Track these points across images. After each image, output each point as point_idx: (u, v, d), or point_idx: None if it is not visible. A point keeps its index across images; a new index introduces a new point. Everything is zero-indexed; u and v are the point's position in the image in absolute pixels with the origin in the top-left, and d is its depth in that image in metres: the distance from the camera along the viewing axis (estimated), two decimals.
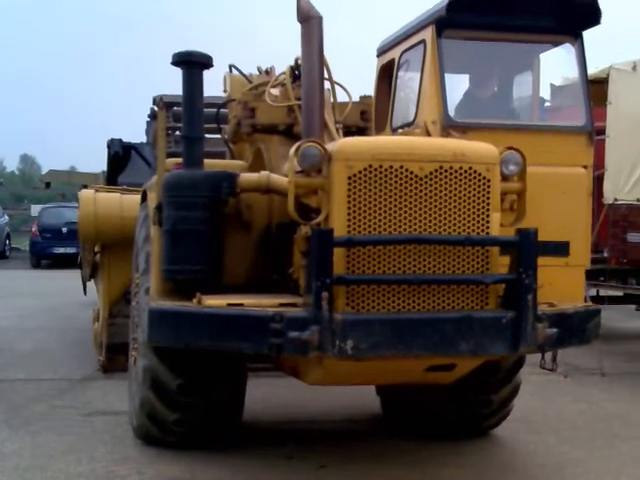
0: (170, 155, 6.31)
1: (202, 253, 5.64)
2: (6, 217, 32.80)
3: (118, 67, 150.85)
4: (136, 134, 26.63)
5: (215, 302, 5.27)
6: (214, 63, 5.99)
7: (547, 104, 8.07)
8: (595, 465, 6.45)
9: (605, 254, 11.79)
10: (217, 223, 5.71)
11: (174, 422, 6.21)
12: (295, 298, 5.28)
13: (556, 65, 7.00)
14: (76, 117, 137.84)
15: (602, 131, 10.94)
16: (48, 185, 34.00)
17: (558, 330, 5.29)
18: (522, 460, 6.65)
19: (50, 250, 27.15)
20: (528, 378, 7.68)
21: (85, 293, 11.88)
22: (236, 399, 6.40)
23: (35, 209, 33.95)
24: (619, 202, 11.32)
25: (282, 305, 5.18)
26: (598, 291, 12.08)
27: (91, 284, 11.14)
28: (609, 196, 11.37)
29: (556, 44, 6.55)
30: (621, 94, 11.22)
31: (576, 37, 6.42)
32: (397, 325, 5.00)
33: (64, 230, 26.32)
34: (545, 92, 7.22)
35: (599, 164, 10.59)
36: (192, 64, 5.85)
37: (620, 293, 12.49)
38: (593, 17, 6.27)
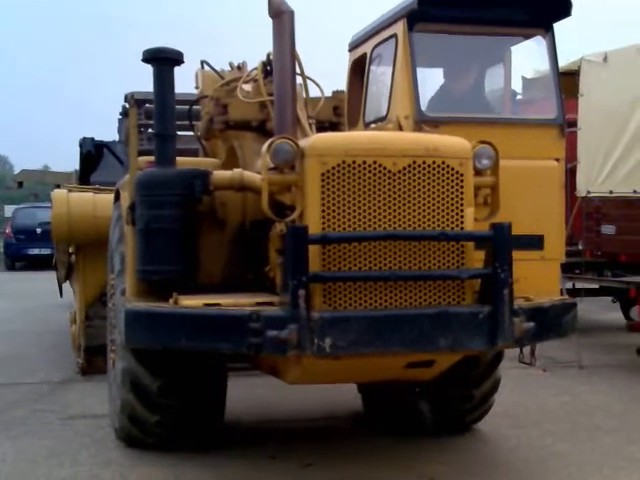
0: (142, 153, 6.27)
1: (177, 252, 5.61)
2: None
3: (91, 65, 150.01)
4: (109, 132, 26.49)
5: (192, 302, 5.23)
6: (185, 59, 5.96)
7: (519, 97, 8.08)
8: (578, 458, 6.46)
9: (580, 247, 11.83)
10: (191, 222, 5.68)
11: (155, 424, 6.17)
12: (272, 297, 5.26)
13: (527, 58, 7.01)
14: (48, 115, 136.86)
15: (574, 123, 10.98)
16: (21, 185, 33.67)
17: (535, 324, 5.28)
18: (505, 455, 6.66)
19: (24, 251, 26.98)
20: (508, 373, 7.71)
21: (61, 295, 11.81)
22: (217, 399, 6.37)
23: (9, 210, 33.72)
24: (592, 194, 11.36)
25: (259, 304, 5.15)
26: (574, 284, 12.11)
27: (67, 286, 11.07)
28: (582, 189, 11.41)
29: (527, 37, 6.55)
30: (592, 86, 11.25)
31: (547, 29, 6.42)
32: (375, 322, 4.98)
33: (38, 231, 26.13)
34: (517, 85, 7.22)
35: (571, 156, 10.62)
36: (163, 61, 5.82)
37: (596, 285, 12.53)
38: (563, 9, 6.29)
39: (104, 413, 7.29)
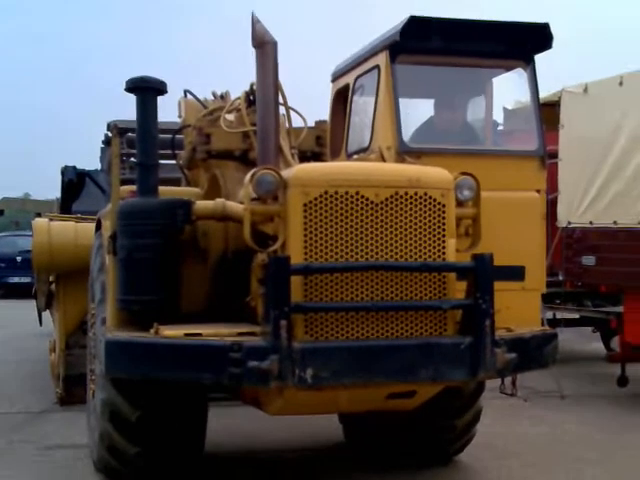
0: (124, 182, 6.25)
1: (158, 282, 5.57)
2: None
3: (72, 93, 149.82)
4: (90, 161, 26.44)
5: (172, 332, 5.20)
6: (168, 89, 5.96)
7: (500, 127, 8.13)
8: None
9: (560, 277, 11.86)
10: (173, 251, 5.65)
11: (135, 455, 6.08)
12: (253, 327, 5.24)
13: (509, 89, 7.06)
14: (29, 143, 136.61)
15: (555, 154, 11.04)
16: (2, 213, 33.64)
17: (516, 355, 5.31)
18: None
19: (4, 280, 26.74)
20: (489, 403, 7.68)
21: (41, 324, 11.73)
22: (197, 430, 6.31)
23: None
24: (573, 225, 11.40)
25: (240, 334, 5.14)
26: (554, 314, 12.13)
27: (47, 314, 10.99)
28: (563, 219, 11.44)
29: (509, 69, 6.61)
30: (573, 117, 11.31)
31: (528, 62, 6.48)
32: (357, 353, 4.99)
33: (18, 259, 25.99)
34: (498, 115, 7.26)
35: (552, 187, 10.66)
36: (146, 90, 5.81)
37: (576, 315, 12.56)
38: (545, 41, 6.34)
39: (83, 443, 7.22)
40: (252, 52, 5.95)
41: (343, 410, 6.85)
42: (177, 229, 5.65)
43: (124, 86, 5.81)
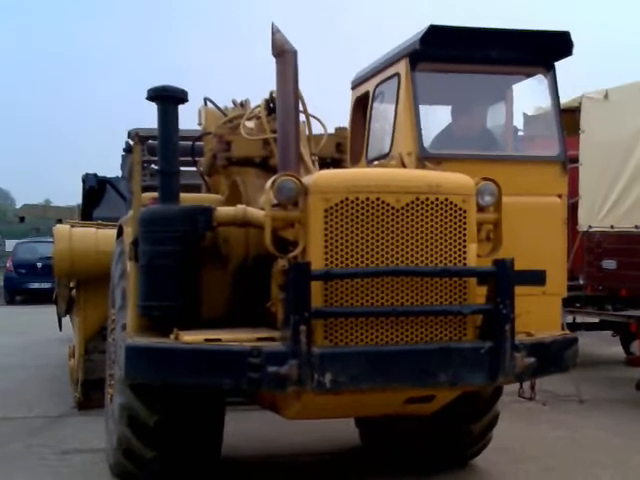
0: (145, 189, 6.29)
1: (179, 288, 5.60)
2: None
3: (92, 100, 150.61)
4: (110, 168, 26.62)
5: (192, 338, 5.23)
6: (189, 97, 6.00)
7: (520, 133, 8.14)
8: None
9: (581, 281, 11.84)
10: (194, 258, 5.68)
11: (152, 459, 6.11)
12: (273, 332, 5.26)
13: (529, 95, 7.06)
14: (50, 150, 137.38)
15: (575, 159, 11.04)
16: (22, 219, 33.80)
17: (536, 359, 5.31)
18: None
19: (25, 285, 26.91)
20: (507, 406, 7.69)
21: (60, 329, 11.79)
22: (214, 435, 6.34)
23: (10, 244, 33.72)
24: (593, 229, 11.39)
25: (260, 339, 5.16)
26: (574, 318, 12.10)
27: (67, 320, 11.05)
28: (583, 223, 11.44)
29: (529, 75, 6.62)
30: (593, 123, 11.33)
31: (548, 68, 6.49)
32: (376, 358, 5.00)
33: (39, 265, 26.10)
34: (518, 121, 7.28)
35: (573, 192, 10.66)
36: (167, 99, 5.84)
37: (596, 319, 12.53)
38: (565, 48, 6.35)
39: (100, 448, 7.25)
40: (272, 60, 5.98)
41: (361, 414, 6.86)
42: (198, 236, 5.68)
43: (146, 95, 5.86)
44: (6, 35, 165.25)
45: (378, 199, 5.13)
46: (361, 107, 7.03)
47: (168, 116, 5.85)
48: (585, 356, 11.48)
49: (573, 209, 10.86)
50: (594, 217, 11.30)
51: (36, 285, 26.16)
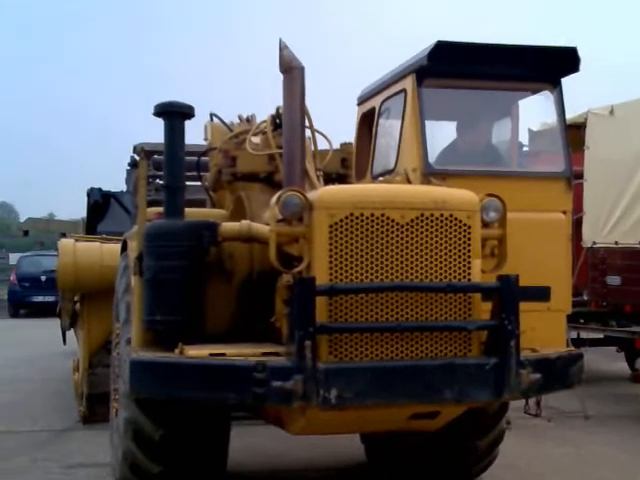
0: (150, 203, 6.31)
1: (184, 303, 5.60)
2: None
3: (95, 114, 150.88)
4: (113, 181, 26.71)
5: (197, 352, 5.23)
6: (195, 112, 6.01)
7: (525, 149, 8.15)
8: None
9: (585, 297, 11.84)
10: (198, 273, 5.68)
11: (157, 474, 6.09)
12: (278, 347, 5.26)
13: (535, 111, 7.08)
14: (54, 164, 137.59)
15: (580, 175, 11.05)
16: (26, 233, 33.87)
17: (542, 376, 5.30)
18: None
19: (28, 299, 26.91)
20: (513, 423, 7.66)
21: (65, 343, 11.80)
22: (220, 449, 6.33)
23: (13, 257, 33.73)
24: (598, 245, 11.39)
25: (265, 354, 5.15)
26: (579, 333, 12.10)
27: (71, 333, 11.06)
28: (588, 239, 11.44)
29: (535, 91, 6.62)
30: (598, 139, 11.34)
31: (555, 84, 6.49)
32: (381, 373, 4.99)
33: (43, 278, 26.09)
34: (523, 137, 7.28)
35: (577, 208, 10.67)
36: (174, 114, 5.86)
37: (601, 335, 12.52)
38: (572, 65, 6.35)
39: (105, 462, 7.24)
40: (279, 76, 6.00)
41: (366, 430, 6.85)
42: (203, 250, 5.69)
43: (152, 110, 5.88)
44: (7, 41, 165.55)
45: (383, 215, 5.13)
46: (367, 123, 7.04)
47: (174, 131, 5.87)
48: (590, 372, 11.46)
49: (577, 225, 10.86)
50: (598, 233, 11.30)
51: (40, 298, 26.17)
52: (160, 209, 6.01)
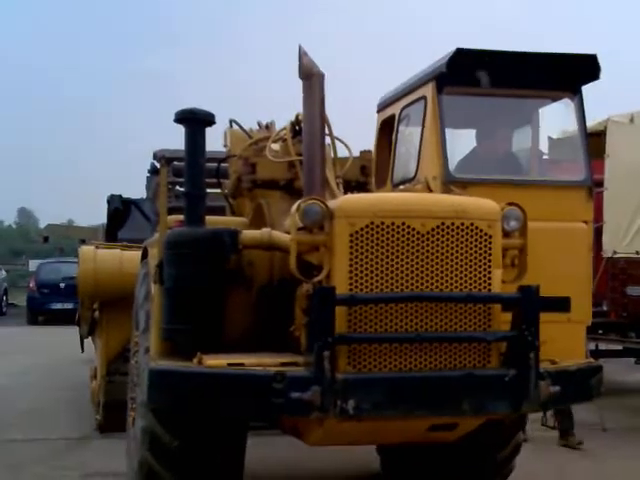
0: (170, 210, 6.30)
1: (203, 312, 5.57)
2: (3, 272, 32.71)
3: (113, 121, 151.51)
4: (132, 188, 26.68)
5: (215, 362, 5.19)
6: (215, 119, 6.00)
7: (545, 157, 8.11)
8: None
9: (604, 307, 11.76)
10: (219, 281, 5.66)
11: None
12: (296, 357, 5.22)
13: (555, 118, 7.04)
14: (73, 170, 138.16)
15: (600, 183, 10.98)
16: (46, 239, 34.05)
17: (561, 388, 5.25)
18: None
19: (47, 306, 26.93)
20: (530, 435, 7.61)
21: (82, 350, 11.82)
22: (236, 460, 6.29)
23: (33, 264, 33.85)
24: (618, 255, 11.32)
25: (283, 364, 5.12)
26: (597, 345, 12.01)
27: (89, 341, 11.07)
28: (608, 249, 11.38)
29: (555, 99, 6.59)
30: (619, 147, 11.28)
31: (575, 92, 6.46)
32: (399, 384, 4.97)
33: (62, 285, 26.16)
34: (543, 145, 7.25)
35: (598, 217, 10.61)
36: (195, 122, 5.85)
37: (619, 347, 12.43)
38: (592, 73, 6.32)
39: (122, 471, 7.20)
40: (297, 83, 5.98)
41: (383, 442, 6.81)
42: (224, 258, 5.66)
43: (173, 117, 5.87)
44: (38, 51, 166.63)
45: (403, 224, 5.10)
46: (387, 130, 7.02)
47: (195, 139, 5.85)
48: (608, 384, 11.36)
49: (597, 234, 10.79)
50: (619, 243, 11.24)
51: (59, 305, 26.19)
52: (181, 217, 5.99)
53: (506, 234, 5.41)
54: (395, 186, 6.64)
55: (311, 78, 5.88)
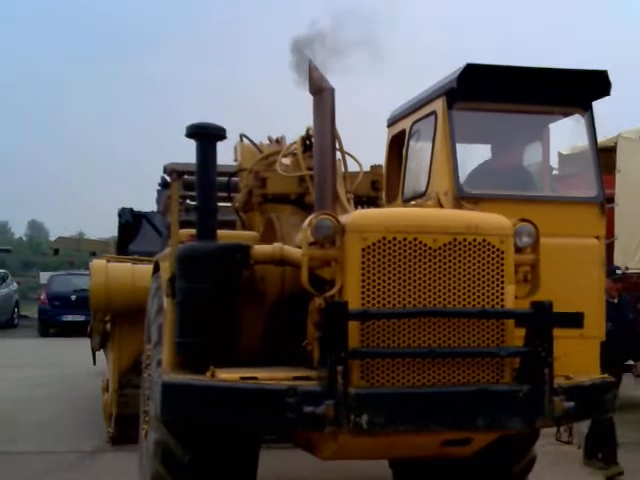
0: (180, 224, 6.33)
1: (215, 325, 5.58)
2: (15, 284, 32.76)
3: (123, 135, 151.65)
4: (141, 201, 26.80)
5: (228, 376, 5.20)
6: (226, 134, 6.02)
7: (555, 172, 8.11)
8: None
9: None
10: (230, 295, 5.68)
11: None
12: (309, 371, 5.23)
13: (565, 134, 7.05)
14: (84, 182, 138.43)
15: (611, 199, 10.98)
16: (57, 252, 34.12)
17: (575, 403, 5.23)
18: None
19: (59, 318, 26.96)
20: (543, 450, 7.57)
21: (94, 363, 11.84)
22: (248, 473, 6.29)
23: (44, 276, 33.92)
24: (630, 271, 11.29)
25: (296, 378, 5.12)
26: None
27: (100, 354, 11.09)
28: (620, 265, 11.34)
29: (566, 115, 6.59)
30: (629, 162, 11.29)
31: (586, 108, 6.46)
32: (412, 399, 4.96)
33: (73, 298, 26.25)
34: (553, 160, 7.25)
35: (609, 232, 10.59)
36: (206, 136, 5.87)
37: (631, 362, 12.38)
38: (603, 88, 6.32)
39: None
40: (308, 97, 6.00)
41: (396, 456, 6.78)
42: (236, 273, 5.68)
43: (185, 132, 5.89)
44: (53, 55, 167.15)
45: (415, 239, 5.11)
46: (397, 145, 7.03)
47: (206, 153, 5.88)
48: (622, 398, 11.34)
49: (609, 250, 10.78)
50: (630, 258, 11.23)
51: (70, 318, 26.25)
52: (193, 231, 6.02)
53: (518, 250, 5.41)
54: (406, 201, 6.65)
55: (321, 93, 5.90)
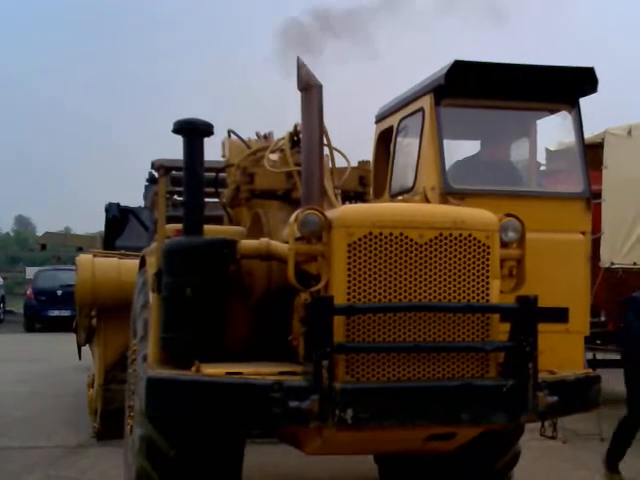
0: (168, 219, 6.32)
1: (201, 321, 5.57)
2: (1, 280, 32.68)
3: (110, 130, 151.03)
4: (128, 196, 26.72)
5: (214, 371, 5.19)
6: (214, 130, 6.01)
7: (542, 168, 8.14)
8: None
9: (602, 318, 11.77)
10: (217, 290, 5.67)
11: None
12: (295, 366, 5.23)
13: (552, 130, 7.06)
14: (71, 177, 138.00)
15: (598, 195, 11.02)
16: (44, 247, 34.03)
17: (559, 398, 5.26)
18: None
19: (45, 313, 26.94)
20: (528, 444, 7.60)
21: (80, 358, 11.82)
22: (234, 468, 6.29)
23: (30, 272, 33.80)
24: (616, 266, 11.34)
25: (281, 373, 5.12)
26: (594, 354, 12.02)
27: (86, 349, 11.07)
28: (606, 260, 11.39)
29: (553, 111, 6.61)
30: (616, 158, 11.33)
31: (573, 105, 6.48)
32: (397, 394, 4.97)
33: (59, 293, 26.21)
34: (540, 156, 7.28)
35: (595, 228, 10.63)
36: (193, 132, 5.87)
37: (617, 357, 12.42)
38: (590, 85, 6.35)
39: (119, 479, 7.23)
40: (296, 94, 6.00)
41: (381, 451, 6.80)
42: (222, 268, 5.67)
43: (171, 127, 5.88)
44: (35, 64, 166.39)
45: (401, 234, 5.12)
46: (385, 141, 7.04)
47: (194, 149, 5.86)
48: (606, 394, 11.37)
49: (595, 245, 10.82)
50: (616, 253, 11.26)
51: (56, 313, 26.24)
52: (179, 226, 6.00)
53: (504, 245, 5.43)
54: (393, 197, 6.66)
55: (309, 89, 5.90)
